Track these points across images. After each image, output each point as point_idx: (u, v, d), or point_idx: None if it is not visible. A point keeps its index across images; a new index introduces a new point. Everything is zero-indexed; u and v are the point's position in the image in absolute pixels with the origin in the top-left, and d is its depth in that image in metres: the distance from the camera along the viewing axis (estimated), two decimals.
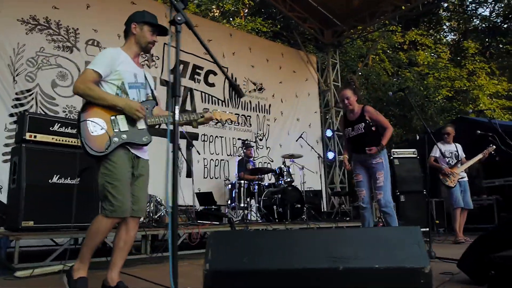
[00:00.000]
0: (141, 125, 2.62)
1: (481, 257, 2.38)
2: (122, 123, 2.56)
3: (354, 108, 4.84)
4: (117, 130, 2.53)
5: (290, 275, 1.62)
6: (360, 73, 14.42)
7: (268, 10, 15.09)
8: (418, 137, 5.10)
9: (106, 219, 2.47)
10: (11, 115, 5.92)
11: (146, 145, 2.69)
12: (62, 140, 4.12)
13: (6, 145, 5.76)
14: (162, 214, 5.88)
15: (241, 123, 9.02)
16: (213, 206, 6.91)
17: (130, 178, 2.61)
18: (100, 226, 2.49)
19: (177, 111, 1.73)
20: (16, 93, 6.07)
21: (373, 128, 4.78)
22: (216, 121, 3.08)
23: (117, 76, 2.61)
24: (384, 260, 1.68)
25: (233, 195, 7.03)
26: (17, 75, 6.10)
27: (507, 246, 2.24)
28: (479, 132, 5.96)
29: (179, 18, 1.71)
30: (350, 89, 4.82)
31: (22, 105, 6.08)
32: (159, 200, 5.80)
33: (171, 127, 1.76)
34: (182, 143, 7.50)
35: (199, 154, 7.13)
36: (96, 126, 2.47)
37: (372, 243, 1.76)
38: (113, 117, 2.54)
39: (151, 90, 2.83)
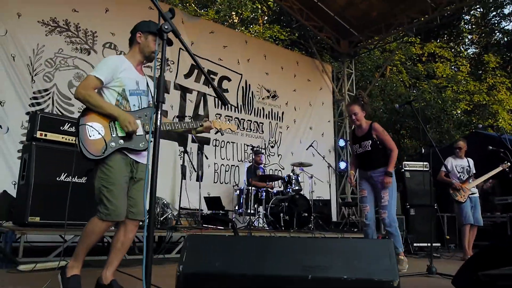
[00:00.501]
0: (139, 131, 2.67)
1: (473, 274, 2.35)
2: (120, 128, 2.62)
3: (362, 124, 4.84)
4: (114, 135, 2.59)
5: (258, 280, 1.64)
6: (376, 84, 14.34)
7: (287, 18, 15.16)
8: (424, 151, 5.04)
9: (101, 222, 2.53)
10: (28, 113, 6.08)
11: (143, 150, 2.72)
12: (72, 140, 4.23)
13: (22, 142, 5.91)
14: (169, 216, 5.96)
15: (253, 130, 9.07)
16: (221, 211, 6.96)
17: (127, 183, 2.67)
18: (95, 228, 2.55)
19: (159, 117, 1.76)
20: (34, 93, 6.24)
21: (380, 146, 4.78)
22: (216, 130, 3.11)
23: (119, 83, 2.68)
24: (354, 272, 1.69)
25: (241, 201, 7.07)
26: (35, 75, 6.27)
27: (498, 264, 2.21)
28: (491, 147, 5.88)
29: (166, 27, 1.76)
30: (358, 105, 4.82)
31: (39, 104, 6.25)
32: (165, 202, 5.88)
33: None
34: (193, 147, 7.61)
35: (207, 158, 7.19)
36: (94, 130, 2.53)
37: (345, 254, 1.77)
38: (111, 123, 2.61)
39: (153, 97, 2.90)
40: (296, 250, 1.80)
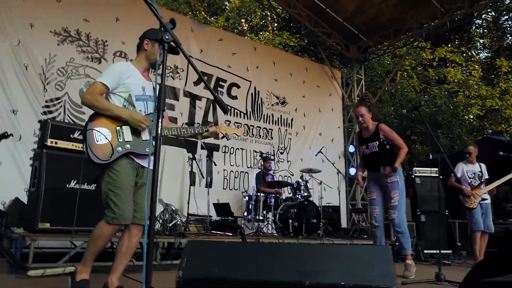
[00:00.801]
0: (145, 136, 2.72)
1: (478, 282, 2.33)
2: (127, 133, 2.67)
3: (369, 125, 4.85)
4: (121, 140, 2.65)
5: (257, 286, 1.68)
6: (386, 89, 14.28)
7: (296, 25, 15.23)
8: (431, 157, 5.02)
9: (107, 225, 2.59)
10: (40, 121, 6.18)
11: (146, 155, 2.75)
12: (81, 147, 4.28)
13: (34, 150, 6.01)
14: (177, 222, 5.99)
15: (263, 136, 9.11)
16: (230, 217, 6.98)
17: (133, 187, 2.71)
18: (102, 232, 2.61)
19: (160, 125, 1.79)
20: (46, 101, 6.36)
21: (387, 146, 4.78)
22: (222, 135, 3.14)
23: (125, 88, 2.74)
24: (351, 278, 1.70)
25: (250, 207, 7.08)
26: (47, 84, 6.39)
27: (505, 272, 2.18)
28: (501, 153, 5.81)
29: (167, 37, 1.80)
30: (365, 106, 4.83)
31: (51, 112, 6.36)
32: (174, 209, 5.92)
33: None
34: (202, 154, 7.66)
35: (215, 165, 7.24)
36: (101, 135, 2.59)
37: (343, 260, 1.78)
38: (118, 128, 2.66)
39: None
40: (294, 256, 1.82)
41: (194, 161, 6.61)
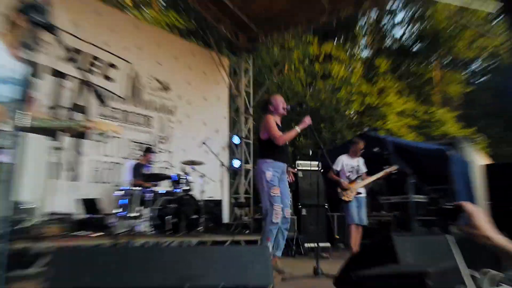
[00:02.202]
0: (4, 126, 2.25)
1: (348, 275, 2.26)
2: None
3: None
4: None
5: None
6: (274, 81, 14.37)
7: (185, 5, 14.46)
8: (311, 152, 5.01)
9: None
10: None
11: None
12: None
13: None
14: (33, 223, 5.16)
15: (142, 124, 8.38)
16: (99, 215, 6.29)
17: None
18: None
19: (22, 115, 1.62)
20: None
21: None
22: (98, 131, 2.72)
23: None
24: (231, 279, 1.79)
25: (124, 203, 6.41)
26: None
27: (371, 265, 2.12)
28: (375, 149, 6.00)
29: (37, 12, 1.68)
30: None
31: None
32: (28, 207, 5.08)
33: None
34: (68, 142, 6.73)
35: (84, 155, 6.46)
36: None
37: (222, 262, 1.87)
38: None
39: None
40: (173, 259, 1.85)
41: (57, 150, 5.77)
